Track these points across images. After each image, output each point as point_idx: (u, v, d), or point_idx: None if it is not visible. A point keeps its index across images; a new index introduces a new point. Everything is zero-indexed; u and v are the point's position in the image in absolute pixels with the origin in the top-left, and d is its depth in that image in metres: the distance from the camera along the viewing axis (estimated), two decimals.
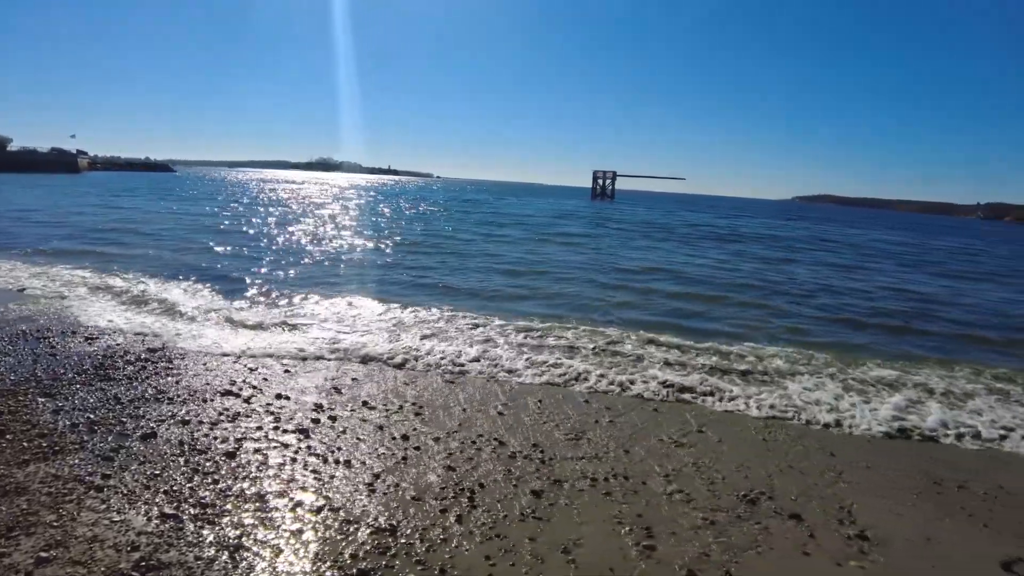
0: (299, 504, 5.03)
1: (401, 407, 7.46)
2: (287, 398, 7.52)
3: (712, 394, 8.56)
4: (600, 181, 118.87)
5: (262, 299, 13.65)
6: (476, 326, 11.67)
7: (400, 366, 9.22)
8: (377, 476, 5.60)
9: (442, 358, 9.48)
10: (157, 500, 4.95)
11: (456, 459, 6.09)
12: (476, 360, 9.38)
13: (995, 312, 17.74)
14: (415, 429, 6.81)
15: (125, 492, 5.06)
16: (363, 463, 5.87)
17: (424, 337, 10.66)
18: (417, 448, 6.28)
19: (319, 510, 4.95)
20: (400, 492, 5.34)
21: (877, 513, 5.80)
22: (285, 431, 6.49)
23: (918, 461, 7.13)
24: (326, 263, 20.11)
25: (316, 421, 6.84)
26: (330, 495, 5.21)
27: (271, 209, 45.71)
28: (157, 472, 5.42)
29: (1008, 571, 5.05)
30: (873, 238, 54.09)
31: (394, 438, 6.49)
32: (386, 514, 4.96)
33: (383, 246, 25.64)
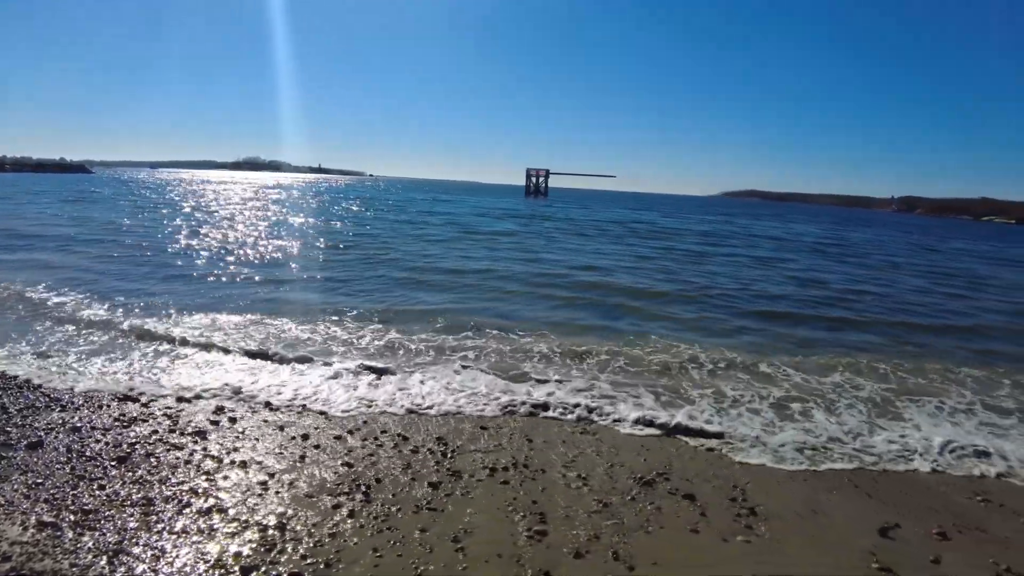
0: (187, 506, 5.02)
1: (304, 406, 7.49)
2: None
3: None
4: (534, 179, 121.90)
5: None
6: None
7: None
8: (272, 475, 5.63)
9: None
10: (36, 509, 4.87)
11: (356, 455, 6.17)
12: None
13: (906, 305, 18.26)
14: (317, 428, 6.86)
15: (2, 503, 4.95)
16: (259, 463, 5.88)
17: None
18: (317, 446, 6.33)
19: (207, 512, 4.96)
20: (294, 490, 5.40)
21: (769, 489, 6.20)
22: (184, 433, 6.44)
23: None
24: (214, 278, 16.88)
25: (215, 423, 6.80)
26: (221, 496, 5.21)
27: (180, 211, 41.70)
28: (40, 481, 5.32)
29: (884, 536, 5.50)
30: (799, 232, 56.15)
31: (293, 438, 6.52)
32: (277, 512, 5.03)
33: (290, 253, 23.18)
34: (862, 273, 25.83)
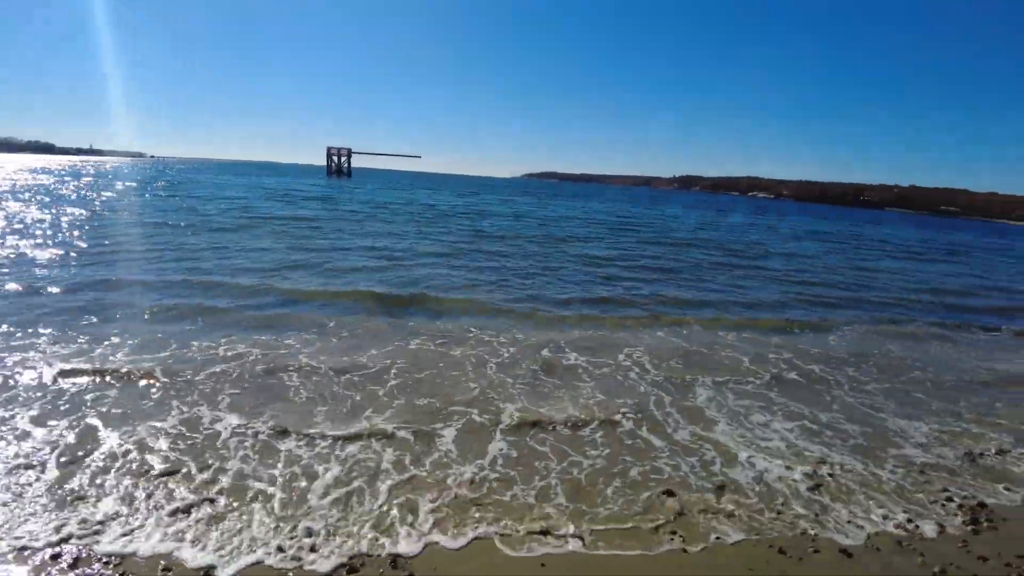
0: None
1: None
2: None
3: None
4: (335, 158, 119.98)
5: None
6: None
7: None
8: None
9: None
10: None
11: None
12: None
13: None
14: None
15: None
16: None
17: None
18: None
19: None
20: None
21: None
22: None
23: None
24: None
25: None
26: None
27: None
28: None
29: (670, 495, 5.70)
30: (595, 209, 60.07)
31: None
32: None
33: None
34: (661, 250, 27.16)
